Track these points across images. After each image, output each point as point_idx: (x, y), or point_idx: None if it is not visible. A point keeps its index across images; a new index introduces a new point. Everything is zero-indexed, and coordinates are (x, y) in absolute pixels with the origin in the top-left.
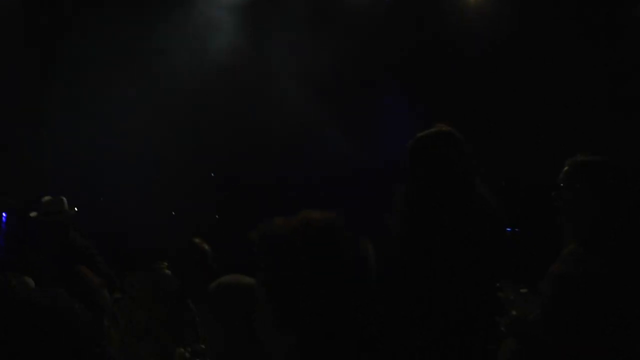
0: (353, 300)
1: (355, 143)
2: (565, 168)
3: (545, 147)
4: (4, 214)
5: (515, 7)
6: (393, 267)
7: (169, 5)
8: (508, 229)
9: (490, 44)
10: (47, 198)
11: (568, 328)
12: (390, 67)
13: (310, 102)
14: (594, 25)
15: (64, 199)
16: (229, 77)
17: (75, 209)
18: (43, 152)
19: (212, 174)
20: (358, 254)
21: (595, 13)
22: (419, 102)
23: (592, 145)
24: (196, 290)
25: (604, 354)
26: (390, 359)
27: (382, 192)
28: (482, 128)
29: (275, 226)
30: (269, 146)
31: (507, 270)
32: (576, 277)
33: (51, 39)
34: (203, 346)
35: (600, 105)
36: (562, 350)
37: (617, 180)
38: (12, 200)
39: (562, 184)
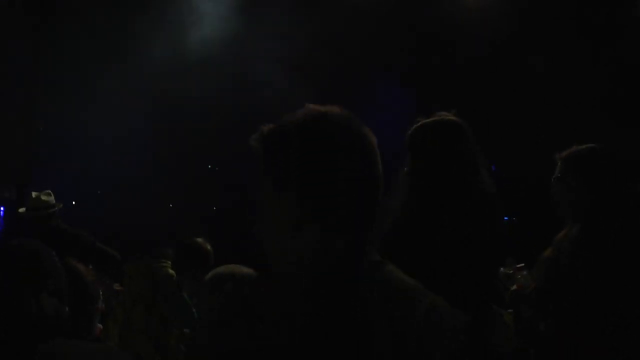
0: (360, 189)
1: None
2: (559, 162)
3: (544, 144)
4: (1, 208)
5: (515, 6)
6: None
7: None
8: (505, 218)
9: (490, 43)
10: (34, 194)
11: (560, 311)
12: (386, 61)
13: (301, 93)
14: (594, 25)
15: (51, 192)
16: (219, 67)
17: (75, 203)
18: (34, 143)
19: (209, 166)
20: (357, 144)
21: (595, 13)
22: (415, 96)
23: (591, 142)
24: (196, 289)
25: (595, 337)
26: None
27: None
28: (480, 126)
29: (277, 122)
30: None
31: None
32: (568, 262)
33: (39, 31)
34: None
35: (600, 104)
36: (556, 331)
37: (609, 172)
38: (7, 194)
39: (555, 178)
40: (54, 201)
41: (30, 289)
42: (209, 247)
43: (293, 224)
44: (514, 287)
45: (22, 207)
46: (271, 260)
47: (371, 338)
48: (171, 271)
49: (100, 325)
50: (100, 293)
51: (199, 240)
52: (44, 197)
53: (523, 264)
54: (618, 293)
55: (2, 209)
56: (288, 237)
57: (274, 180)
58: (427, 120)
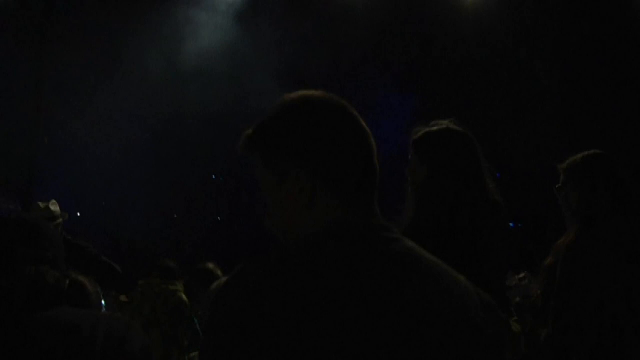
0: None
1: None
2: (560, 172)
3: (547, 148)
4: None
5: (515, 8)
6: None
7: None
8: (511, 225)
9: (488, 46)
10: (42, 204)
11: (556, 319)
12: (385, 65)
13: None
14: (593, 28)
15: (56, 203)
16: (219, 77)
17: (79, 214)
18: (38, 156)
19: (214, 177)
20: (341, 110)
21: (594, 16)
22: (414, 101)
23: (591, 142)
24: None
25: (591, 344)
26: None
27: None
28: (481, 130)
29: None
30: None
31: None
32: (562, 269)
33: (41, 47)
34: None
35: (600, 103)
36: (554, 338)
37: (605, 179)
38: (12, 206)
39: (557, 188)
40: (60, 212)
41: (29, 259)
42: (220, 272)
43: (305, 203)
44: (517, 298)
45: None
46: (288, 240)
47: (392, 311)
48: (184, 297)
49: None
50: (103, 304)
51: (211, 266)
52: (52, 208)
53: (523, 274)
54: (612, 299)
55: None
56: (302, 216)
57: (275, 167)
58: (433, 128)
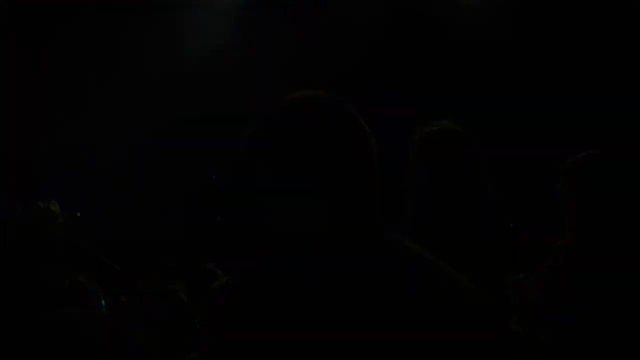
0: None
1: None
2: (561, 172)
3: (545, 149)
4: None
5: (514, 8)
6: None
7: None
8: (511, 225)
9: (487, 46)
10: (42, 205)
11: (556, 320)
12: (385, 63)
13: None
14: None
15: (56, 203)
16: (218, 77)
17: (79, 214)
18: (38, 156)
19: (214, 177)
20: (342, 114)
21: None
22: (412, 98)
23: (591, 142)
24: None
25: (592, 346)
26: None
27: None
28: (478, 126)
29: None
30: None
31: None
32: (564, 272)
33: (38, 47)
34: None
35: (600, 102)
36: (554, 340)
37: (605, 180)
38: (13, 206)
39: (556, 189)
40: (60, 212)
41: (29, 259)
42: (220, 272)
43: (304, 204)
44: (517, 298)
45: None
46: (287, 243)
47: (393, 312)
48: (184, 297)
49: None
50: (103, 304)
51: (210, 265)
52: (52, 208)
53: (523, 275)
54: (612, 300)
55: None
56: (302, 218)
57: (275, 168)
58: (433, 128)
